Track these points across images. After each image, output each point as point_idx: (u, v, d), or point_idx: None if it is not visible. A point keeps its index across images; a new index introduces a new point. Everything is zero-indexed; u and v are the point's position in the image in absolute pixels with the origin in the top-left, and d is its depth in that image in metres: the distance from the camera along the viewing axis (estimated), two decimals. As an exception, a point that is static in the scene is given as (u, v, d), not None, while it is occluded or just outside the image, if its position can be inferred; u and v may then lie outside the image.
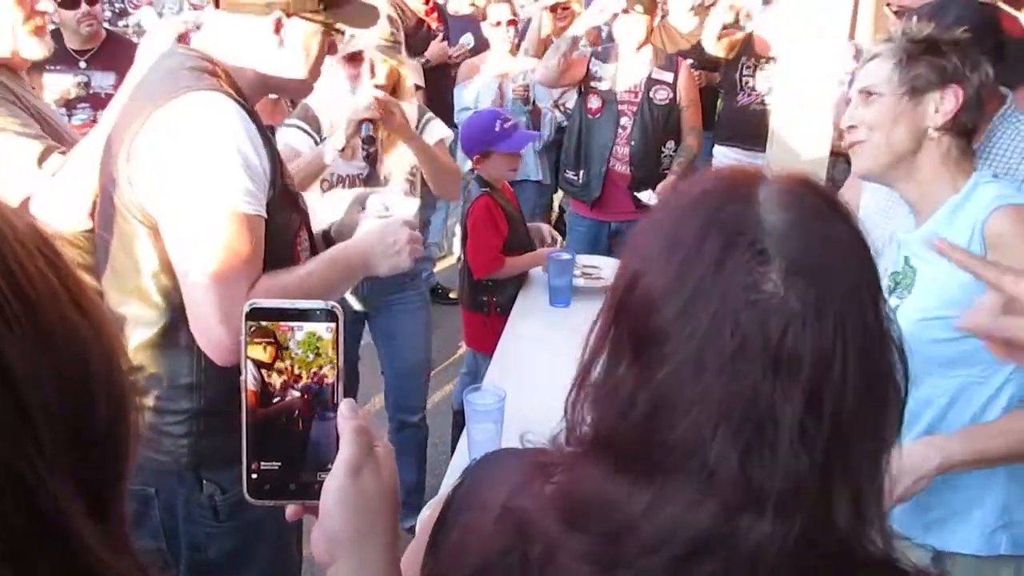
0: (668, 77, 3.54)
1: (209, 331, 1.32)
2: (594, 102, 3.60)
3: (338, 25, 1.49)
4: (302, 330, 0.69)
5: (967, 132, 1.51)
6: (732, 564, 0.60)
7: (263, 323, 0.69)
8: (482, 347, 2.92)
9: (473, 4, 5.00)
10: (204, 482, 1.48)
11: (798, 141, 3.09)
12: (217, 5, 1.44)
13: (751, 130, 3.64)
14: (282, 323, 0.69)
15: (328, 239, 1.74)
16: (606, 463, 0.64)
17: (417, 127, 2.67)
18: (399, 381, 2.93)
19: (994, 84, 1.55)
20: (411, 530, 2.61)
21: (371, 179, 2.63)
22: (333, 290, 1.49)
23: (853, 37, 3.03)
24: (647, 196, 3.46)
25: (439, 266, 4.92)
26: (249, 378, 0.69)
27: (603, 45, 3.81)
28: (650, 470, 0.62)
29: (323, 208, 2.48)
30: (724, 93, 4.25)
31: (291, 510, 0.73)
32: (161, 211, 1.32)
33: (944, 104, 1.47)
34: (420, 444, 2.95)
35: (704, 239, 0.62)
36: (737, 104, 4.11)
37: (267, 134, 1.42)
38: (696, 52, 4.45)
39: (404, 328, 2.84)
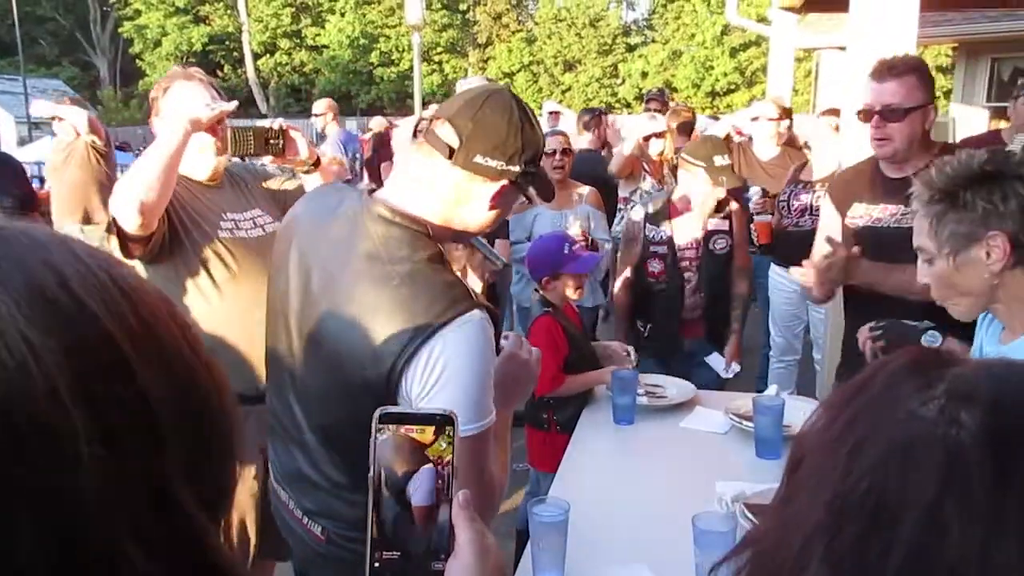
0: (724, 224, 3.47)
1: None
2: (655, 266, 3.46)
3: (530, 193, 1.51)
4: (424, 432, 0.76)
5: None
6: None
7: (391, 426, 0.77)
8: (543, 465, 2.86)
9: None
10: None
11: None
12: (450, 157, 1.40)
13: (791, 249, 3.59)
14: (407, 426, 0.76)
15: None
16: None
17: None
18: None
19: None
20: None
21: None
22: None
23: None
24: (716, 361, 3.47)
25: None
26: (377, 476, 0.76)
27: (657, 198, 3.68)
28: None
29: None
30: (777, 218, 4.28)
31: None
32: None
33: (993, 253, 1.42)
34: None
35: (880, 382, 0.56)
36: (782, 226, 4.16)
37: None
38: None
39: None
